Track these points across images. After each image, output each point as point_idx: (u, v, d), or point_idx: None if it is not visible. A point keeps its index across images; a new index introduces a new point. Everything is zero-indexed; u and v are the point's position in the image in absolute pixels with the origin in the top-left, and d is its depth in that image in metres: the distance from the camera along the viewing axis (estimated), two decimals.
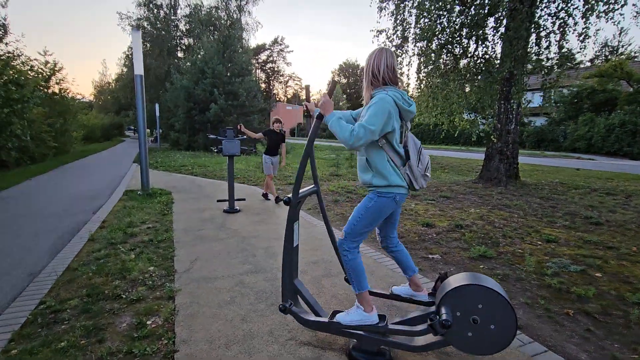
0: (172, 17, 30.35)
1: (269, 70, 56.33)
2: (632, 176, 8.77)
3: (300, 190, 2.01)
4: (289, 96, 64.46)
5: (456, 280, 1.82)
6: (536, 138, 23.95)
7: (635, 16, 6.20)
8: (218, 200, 5.56)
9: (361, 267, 1.92)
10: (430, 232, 4.27)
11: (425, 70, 7.40)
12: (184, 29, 31.12)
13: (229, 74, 18.84)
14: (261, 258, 3.44)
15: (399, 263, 2.23)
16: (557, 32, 6.24)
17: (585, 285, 2.74)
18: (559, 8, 6.36)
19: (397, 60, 7.53)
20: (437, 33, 6.39)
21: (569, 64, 6.78)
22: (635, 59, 26.85)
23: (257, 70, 50.27)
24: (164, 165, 11.77)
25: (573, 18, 6.08)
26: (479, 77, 6.86)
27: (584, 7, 5.90)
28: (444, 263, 3.31)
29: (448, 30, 6.42)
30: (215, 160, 13.44)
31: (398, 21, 7.04)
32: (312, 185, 2.22)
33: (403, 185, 1.87)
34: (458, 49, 7.22)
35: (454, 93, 6.98)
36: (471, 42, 6.72)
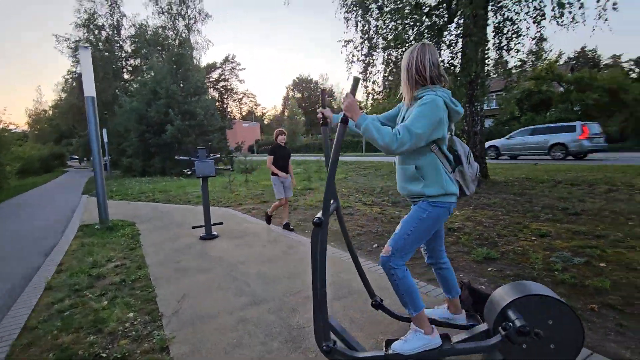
0: (116, 38, 28.81)
1: (221, 89, 55.28)
2: (584, 167, 9.53)
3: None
4: (244, 113, 63.76)
5: (507, 293, 1.67)
6: (485, 138, 25.60)
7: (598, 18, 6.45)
8: (193, 227, 5.08)
9: (414, 286, 1.69)
10: None
11: (390, 78, 7.53)
12: (129, 50, 29.64)
13: (183, 94, 18.08)
14: (257, 286, 3.10)
15: (443, 282, 2.02)
16: (513, 36, 6.68)
17: (597, 277, 2.74)
18: (506, 16, 6.81)
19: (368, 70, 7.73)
20: (405, 40, 6.54)
21: (527, 66, 7.26)
22: (559, 63, 29.98)
23: (210, 89, 49.10)
24: (120, 193, 10.79)
25: (527, 22, 6.56)
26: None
27: (534, 12, 6.40)
28: None
29: (412, 37, 6.60)
30: (177, 183, 12.63)
31: (364, 31, 7.14)
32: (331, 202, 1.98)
33: (456, 193, 1.72)
34: None
35: None
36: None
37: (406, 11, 6.57)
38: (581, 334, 1.53)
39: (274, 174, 5.04)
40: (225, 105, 55.02)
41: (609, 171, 8.26)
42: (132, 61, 30.03)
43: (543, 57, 7.46)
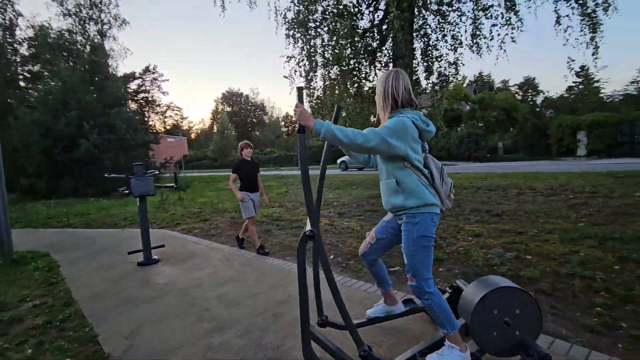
0: (9, 40, 24.84)
1: (142, 101, 51.03)
2: (495, 174, 10.99)
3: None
4: (168, 127, 59.68)
5: (477, 289, 1.85)
6: None
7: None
8: (129, 252, 4.55)
9: (447, 305, 1.78)
10: None
11: (329, 93, 7.85)
12: (26, 54, 25.79)
13: (100, 105, 16.28)
14: (219, 310, 2.90)
15: (377, 276, 2.19)
16: (436, 61, 7.57)
17: (527, 268, 3.17)
18: (429, 42, 7.71)
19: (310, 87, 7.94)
20: (344, 59, 6.90)
21: (450, 85, 8.22)
22: (464, 85, 34.45)
23: (129, 101, 44.88)
24: (21, 220, 9.17)
25: (446, 49, 7.51)
26: None
27: (452, 40, 7.36)
28: None
29: (351, 56, 7.00)
30: (96, 205, 11.20)
31: (304, 49, 7.36)
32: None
33: (437, 204, 1.81)
34: (356, 77, 7.92)
35: (363, 113, 7.60)
36: (372, 69, 7.52)
37: (343, 32, 6.97)
38: (540, 317, 1.77)
39: (241, 190, 4.49)
40: (146, 119, 50.80)
41: (515, 177, 9.67)
42: (30, 67, 26.17)
43: (457, 79, 8.56)
